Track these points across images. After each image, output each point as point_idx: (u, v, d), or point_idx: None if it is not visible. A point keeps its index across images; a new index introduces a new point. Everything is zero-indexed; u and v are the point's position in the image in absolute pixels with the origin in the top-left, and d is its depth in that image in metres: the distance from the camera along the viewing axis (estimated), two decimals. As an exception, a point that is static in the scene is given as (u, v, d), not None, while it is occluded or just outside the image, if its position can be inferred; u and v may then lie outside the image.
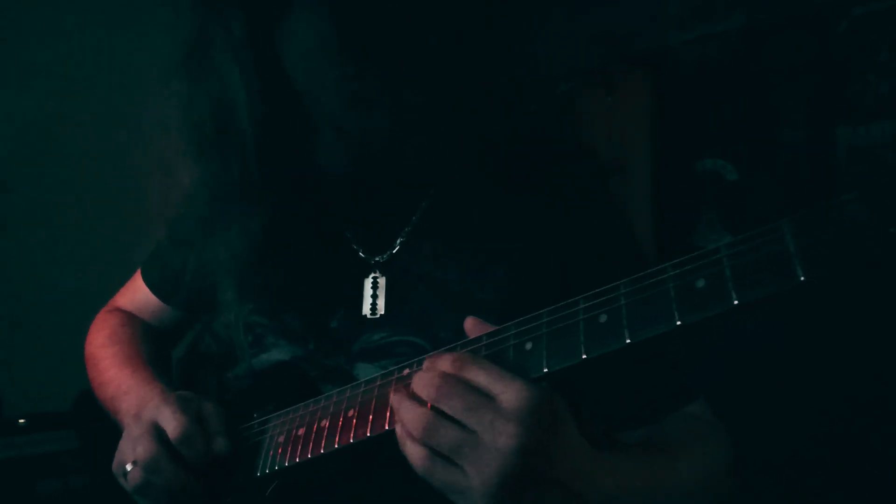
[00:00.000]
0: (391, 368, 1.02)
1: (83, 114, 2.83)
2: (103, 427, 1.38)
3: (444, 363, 0.88)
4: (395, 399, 0.92)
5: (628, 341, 0.76)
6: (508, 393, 0.82)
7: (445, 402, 0.85)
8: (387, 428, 0.96)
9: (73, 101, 2.82)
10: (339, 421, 1.05)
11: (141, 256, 1.62)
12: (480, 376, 0.85)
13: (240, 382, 1.34)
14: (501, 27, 1.18)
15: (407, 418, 0.87)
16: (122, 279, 1.70)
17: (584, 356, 0.80)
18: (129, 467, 1.16)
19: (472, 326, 0.97)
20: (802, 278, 0.63)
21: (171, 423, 1.14)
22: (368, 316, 1.20)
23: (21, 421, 2.36)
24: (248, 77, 1.13)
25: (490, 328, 0.94)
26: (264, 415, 1.23)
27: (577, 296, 0.85)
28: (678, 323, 0.72)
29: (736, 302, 0.68)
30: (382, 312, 1.20)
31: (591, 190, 1.23)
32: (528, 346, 0.86)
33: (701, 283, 0.71)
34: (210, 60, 1.16)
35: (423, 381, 0.88)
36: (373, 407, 1.00)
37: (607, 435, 1.13)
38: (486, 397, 0.83)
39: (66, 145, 2.80)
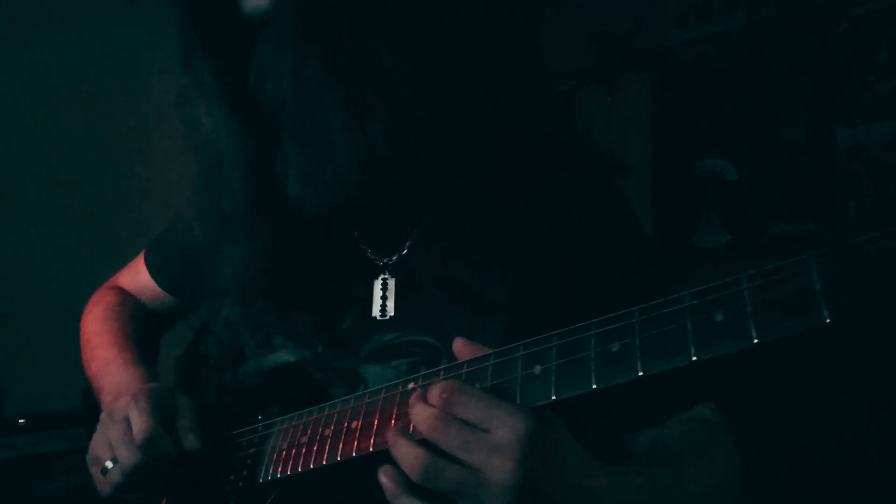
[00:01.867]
0: (396, 382, 1.01)
1: (87, 112, 2.82)
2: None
3: (434, 395, 0.86)
4: (391, 438, 0.89)
5: (641, 374, 0.74)
6: (503, 427, 0.81)
7: (442, 441, 0.84)
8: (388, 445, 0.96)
9: (76, 99, 2.82)
10: (342, 432, 1.04)
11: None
12: (473, 410, 0.84)
13: (246, 381, 1.33)
14: (499, 33, 1.18)
15: (404, 460, 0.86)
16: (122, 279, 1.70)
17: (594, 386, 0.78)
18: (108, 464, 1.16)
19: (461, 348, 0.95)
20: (828, 320, 0.60)
21: (138, 423, 1.14)
22: (378, 318, 1.20)
23: (21, 421, 2.36)
24: (227, 120, 1.14)
25: (480, 350, 0.93)
26: (268, 418, 1.23)
27: (586, 298, 0.84)
28: (694, 359, 0.69)
29: (756, 340, 0.64)
30: (392, 314, 1.20)
31: (600, 191, 1.23)
32: (538, 369, 0.84)
33: (720, 317, 0.68)
34: (191, 108, 1.17)
35: (419, 416, 0.86)
36: (376, 421, 1.00)
37: (617, 444, 1.13)
38: (482, 432, 0.82)
39: (68, 144, 2.80)
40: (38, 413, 2.40)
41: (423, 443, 0.85)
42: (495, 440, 0.81)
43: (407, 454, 0.86)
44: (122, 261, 1.69)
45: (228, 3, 1.14)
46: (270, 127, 1.12)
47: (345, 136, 1.06)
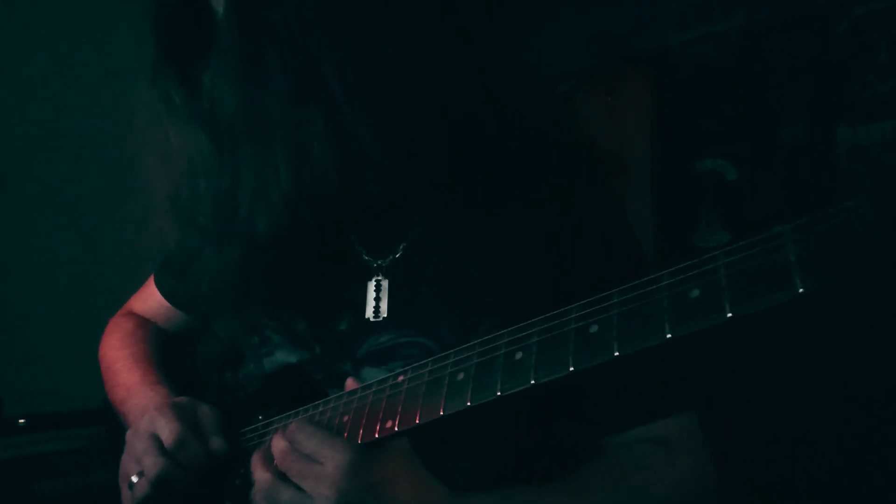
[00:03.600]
0: (386, 376, 1.03)
1: (93, 113, 2.83)
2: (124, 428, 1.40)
3: (288, 431, 1.06)
4: (253, 461, 1.10)
5: (616, 354, 0.74)
6: (329, 460, 0.99)
7: (286, 469, 1.03)
8: (376, 437, 0.98)
9: (82, 100, 2.82)
10: (334, 427, 1.06)
11: (143, 257, 1.63)
12: (309, 445, 1.02)
13: (246, 383, 1.34)
14: (462, 43, 1.18)
15: (255, 480, 1.06)
16: (123, 279, 1.71)
17: (571, 368, 0.78)
18: (134, 479, 1.17)
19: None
20: (801, 290, 0.60)
21: (165, 431, 1.16)
22: (371, 319, 1.21)
23: (21, 421, 2.37)
24: (196, 139, 1.15)
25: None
26: (268, 417, 1.23)
27: (581, 297, 0.84)
28: (668, 336, 0.69)
29: (729, 315, 0.64)
30: (385, 315, 1.20)
31: (593, 192, 1.23)
32: (519, 355, 0.85)
33: (695, 293, 0.68)
34: (162, 126, 1.19)
35: (274, 447, 1.06)
36: (366, 413, 1.01)
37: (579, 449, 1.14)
38: (314, 462, 1.00)
39: (68, 144, 2.81)
40: (38, 413, 2.41)
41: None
42: (322, 471, 0.99)
43: (257, 475, 1.07)
44: (122, 261, 1.70)
45: (197, 22, 1.15)
46: (227, 145, 1.13)
47: (288, 160, 1.07)
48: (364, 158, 1.07)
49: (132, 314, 1.64)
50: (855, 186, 2.55)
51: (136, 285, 1.71)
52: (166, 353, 1.55)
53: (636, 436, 1.12)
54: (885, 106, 2.51)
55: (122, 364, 1.48)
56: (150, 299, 1.61)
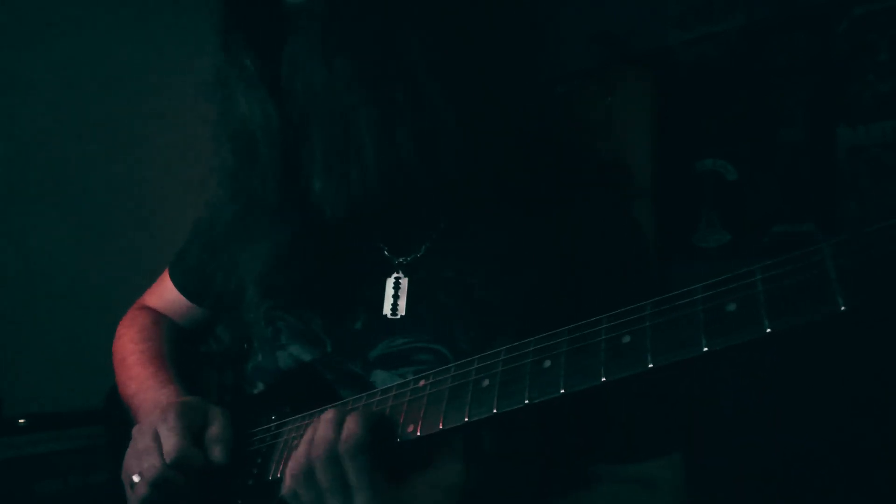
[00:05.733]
0: (408, 379, 1.01)
1: (92, 113, 2.82)
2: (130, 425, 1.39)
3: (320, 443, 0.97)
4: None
5: (651, 366, 0.72)
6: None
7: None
8: (397, 441, 0.96)
9: (94, 101, 2.82)
10: (351, 429, 1.05)
11: (143, 258, 1.62)
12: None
13: (255, 376, 1.33)
14: (519, 30, 1.18)
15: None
16: (122, 280, 1.70)
17: (602, 379, 0.77)
18: (135, 479, 1.16)
19: None
20: (843, 308, 0.59)
21: (168, 444, 1.14)
22: (389, 316, 1.20)
23: (21, 421, 2.36)
24: (264, 107, 1.14)
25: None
26: (281, 417, 1.23)
27: (596, 305, 0.83)
28: (705, 349, 0.68)
29: (768, 330, 0.63)
30: (403, 313, 1.19)
31: (611, 202, 1.22)
32: (547, 364, 0.83)
33: (732, 307, 0.67)
34: (229, 92, 1.16)
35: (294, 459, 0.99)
36: (386, 417, 1.00)
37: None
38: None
39: (68, 145, 2.80)
40: (38, 413, 2.40)
41: None
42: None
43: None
44: (122, 262, 1.70)
45: None
46: (301, 119, 1.11)
47: (373, 137, 1.06)
48: (442, 140, 1.07)
49: (147, 308, 1.62)
50: (855, 186, 2.56)
51: (136, 285, 1.70)
52: (180, 348, 1.54)
53: (624, 475, 1.13)
54: (885, 106, 2.52)
55: (135, 359, 1.46)
56: (164, 293, 1.60)
